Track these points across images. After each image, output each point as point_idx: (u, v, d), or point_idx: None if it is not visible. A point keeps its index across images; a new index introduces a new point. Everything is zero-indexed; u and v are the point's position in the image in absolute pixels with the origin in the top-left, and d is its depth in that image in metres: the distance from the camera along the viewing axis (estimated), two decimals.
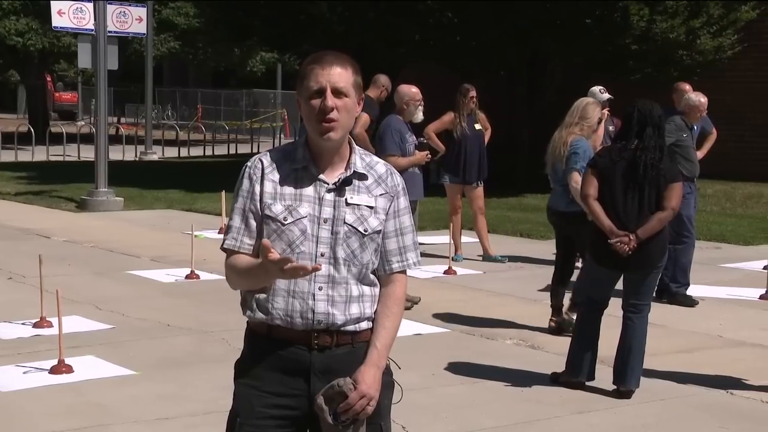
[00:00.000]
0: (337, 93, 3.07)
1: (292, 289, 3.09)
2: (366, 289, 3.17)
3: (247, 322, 3.24)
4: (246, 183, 3.17)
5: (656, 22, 17.24)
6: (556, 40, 18.00)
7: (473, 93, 11.22)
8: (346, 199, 3.13)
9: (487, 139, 11.71)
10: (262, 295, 3.13)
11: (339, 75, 3.08)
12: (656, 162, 6.37)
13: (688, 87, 10.24)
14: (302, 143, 3.18)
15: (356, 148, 3.20)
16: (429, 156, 9.29)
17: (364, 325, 3.17)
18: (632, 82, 17.78)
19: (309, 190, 3.12)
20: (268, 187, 3.13)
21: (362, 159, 3.21)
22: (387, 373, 3.20)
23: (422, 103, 9.40)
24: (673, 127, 8.77)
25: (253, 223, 3.14)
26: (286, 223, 3.10)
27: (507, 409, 6.21)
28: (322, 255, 3.10)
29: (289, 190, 3.12)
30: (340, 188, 3.13)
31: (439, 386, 6.65)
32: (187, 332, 8.02)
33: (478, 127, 11.40)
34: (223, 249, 3.19)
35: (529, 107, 19.87)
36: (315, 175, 3.13)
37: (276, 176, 3.14)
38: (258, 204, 3.13)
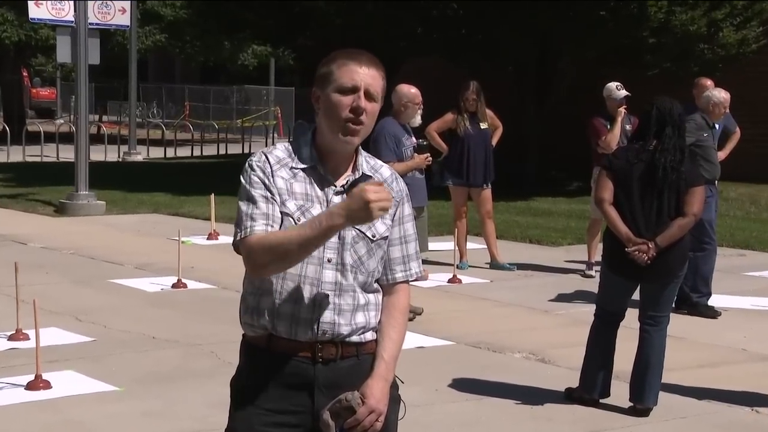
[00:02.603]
0: (369, 96, 3.10)
1: (297, 298, 3.09)
2: (371, 297, 3.19)
3: (243, 335, 3.23)
4: (260, 174, 3.13)
5: (675, 14, 17.24)
6: (569, 33, 18.00)
7: (472, 89, 11.14)
8: None
9: (497, 137, 11.67)
10: (266, 305, 3.12)
11: (373, 78, 3.12)
12: (676, 164, 6.36)
13: (709, 83, 10.24)
14: (308, 142, 3.18)
15: (361, 149, 3.22)
16: (429, 159, 9.21)
17: (369, 335, 3.18)
18: (649, 77, 17.77)
19: (317, 191, 3.13)
20: (280, 183, 3.12)
21: (367, 161, 3.23)
22: (393, 387, 3.21)
23: (422, 105, 9.32)
24: (693, 126, 8.75)
25: (277, 214, 3.08)
26: (299, 223, 3.09)
27: (515, 428, 6.21)
28: (329, 261, 3.10)
29: (299, 188, 3.12)
30: (348, 191, 3.12)
31: (443, 403, 6.64)
32: (174, 345, 8.01)
33: (483, 126, 11.33)
34: (243, 239, 3.04)
35: (539, 105, 19.88)
36: (323, 175, 3.14)
37: (284, 173, 3.13)
38: (277, 197, 3.10)
